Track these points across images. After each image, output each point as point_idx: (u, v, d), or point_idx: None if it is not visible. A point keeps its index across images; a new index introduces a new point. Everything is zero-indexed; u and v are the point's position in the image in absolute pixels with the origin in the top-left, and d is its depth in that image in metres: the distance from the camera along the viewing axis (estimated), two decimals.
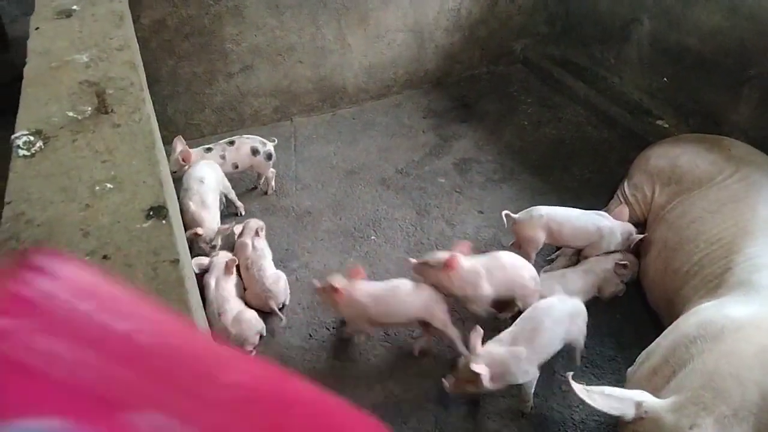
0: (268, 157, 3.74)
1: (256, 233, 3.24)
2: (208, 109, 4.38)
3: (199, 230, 3.16)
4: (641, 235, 3.08)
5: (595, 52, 4.77)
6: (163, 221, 1.26)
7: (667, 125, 4.10)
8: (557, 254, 3.28)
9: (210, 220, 3.24)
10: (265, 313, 3.02)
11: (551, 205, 3.19)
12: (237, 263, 3.12)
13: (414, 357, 2.86)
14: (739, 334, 2.07)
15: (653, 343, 2.33)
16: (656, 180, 3.16)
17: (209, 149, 3.69)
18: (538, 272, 2.96)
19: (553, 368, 2.77)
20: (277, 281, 3.06)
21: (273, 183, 3.86)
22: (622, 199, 3.29)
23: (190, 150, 3.59)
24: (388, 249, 3.46)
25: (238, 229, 3.30)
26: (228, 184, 3.58)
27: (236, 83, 4.39)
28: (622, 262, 3.01)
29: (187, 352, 0.81)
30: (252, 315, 2.91)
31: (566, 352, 2.83)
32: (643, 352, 2.35)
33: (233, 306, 2.92)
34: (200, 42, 4.16)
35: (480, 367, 2.34)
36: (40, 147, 1.47)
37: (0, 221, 1.28)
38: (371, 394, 2.72)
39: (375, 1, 4.44)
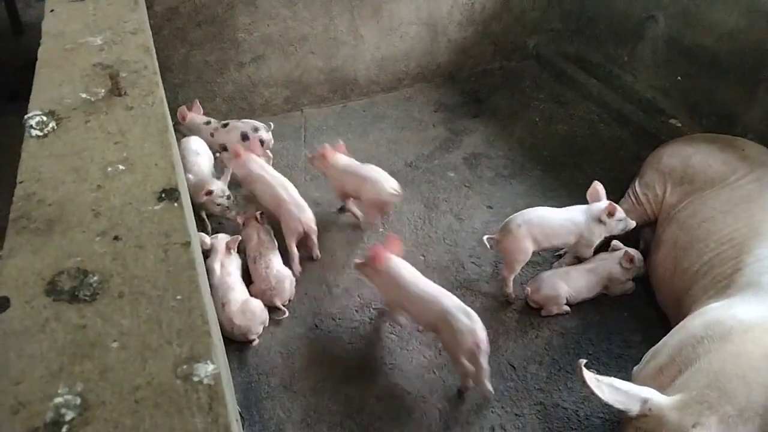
0: (262, 143, 3.74)
1: (257, 219, 3.23)
2: (219, 98, 4.38)
3: (211, 186, 3.22)
4: (633, 223, 3.06)
5: (609, 49, 4.74)
6: (175, 204, 1.26)
7: (680, 124, 4.08)
8: (565, 250, 3.27)
9: (211, 179, 3.32)
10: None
11: (560, 203, 3.19)
12: (239, 242, 3.13)
13: (419, 350, 2.86)
14: (747, 335, 2.06)
15: (660, 342, 2.32)
16: (668, 179, 3.14)
17: (208, 122, 3.82)
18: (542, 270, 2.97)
19: (559, 364, 2.76)
20: (282, 280, 3.03)
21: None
22: (633, 198, 3.27)
23: (192, 113, 3.73)
24: None
25: (240, 219, 3.29)
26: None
27: (248, 73, 4.39)
28: (629, 255, 2.99)
29: None
30: (257, 305, 2.90)
31: (574, 349, 2.83)
32: (650, 351, 2.34)
33: (238, 295, 2.91)
34: (212, 31, 4.16)
35: None
36: (52, 127, 1.47)
37: (12, 200, 1.28)
38: (375, 386, 2.72)
39: None
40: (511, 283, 3.05)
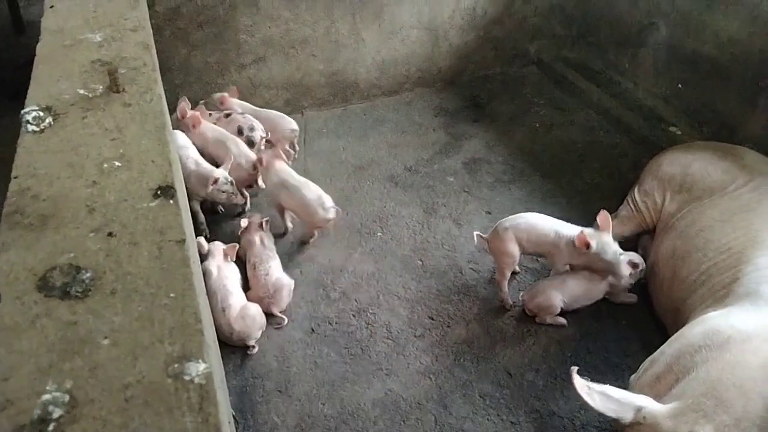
0: (250, 143, 3.70)
1: (261, 226, 3.21)
2: None
3: (215, 174, 3.23)
4: (639, 260, 2.97)
5: (610, 56, 4.74)
6: (171, 201, 1.24)
7: (680, 132, 4.07)
8: None
9: (213, 168, 3.32)
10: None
11: (559, 209, 3.18)
12: (237, 249, 3.11)
13: (416, 355, 2.84)
14: (745, 345, 2.04)
15: (657, 351, 2.30)
16: (667, 187, 3.13)
17: (210, 114, 3.83)
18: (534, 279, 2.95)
19: (556, 372, 2.75)
20: (280, 289, 3.01)
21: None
22: (632, 206, 3.26)
23: (195, 112, 3.70)
24: (394, 246, 3.44)
25: (244, 222, 3.27)
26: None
27: (248, 74, 4.38)
28: (632, 262, 2.93)
29: None
30: (256, 310, 2.88)
31: (571, 357, 2.82)
32: (647, 360, 2.32)
33: (237, 300, 2.89)
34: (214, 32, 4.15)
35: None
36: (49, 123, 1.45)
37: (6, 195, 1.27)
38: (371, 391, 2.70)
39: None
40: (505, 288, 3.04)
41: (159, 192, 1.26)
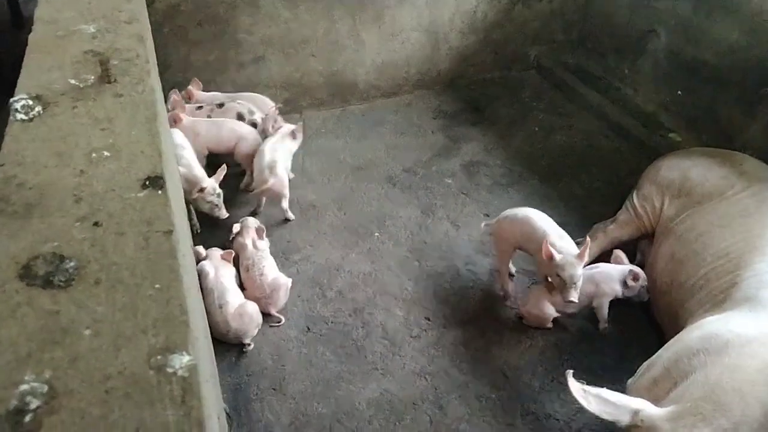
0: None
1: (257, 233, 3.19)
2: None
3: (203, 183, 3.22)
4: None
5: (610, 62, 4.73)
6: (159, 191, 1.22)
7: (679, 139, 4.05)
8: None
9: (204, 176, 3.29)
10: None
11: (557, 213, 3.18)
12: (234, 255, 3.09)
13: (411, 356, 2.82)
14: (743, 349, 2.03)
15: (655, 355, 2.28)
16: (666, 191, 3.11)
17: (200, 107, 3.84)
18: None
19: (552, 375, 2.72)
20: (277, 289, 2.99)
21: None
22: (631, 210, 3.23)
23: (185, 107, 3.75)
24: (391, 247, 3.42)
25: (236, 227, 3.25)
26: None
27: (247, 74, 4.37)
28: (634, 273, 2.89)
29: None
30: (253, 308, 2.87)
31: (568, 360, 2.79)
32: (645, 363, 2.30)
33: (234, 298, 2.88)
34: (213, 30, 4.14)
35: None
36: (38, 112, 1.43)
37: None
38: (366, 391, 2.67)
39: None
40: (505, 277, 3.04)
41: (148, 182, 1.24)
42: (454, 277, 3.23)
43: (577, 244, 2.97)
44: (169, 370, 0.91)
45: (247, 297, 2.97)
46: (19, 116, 1.41)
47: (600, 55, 4.83)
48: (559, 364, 2.77)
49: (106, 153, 1.32)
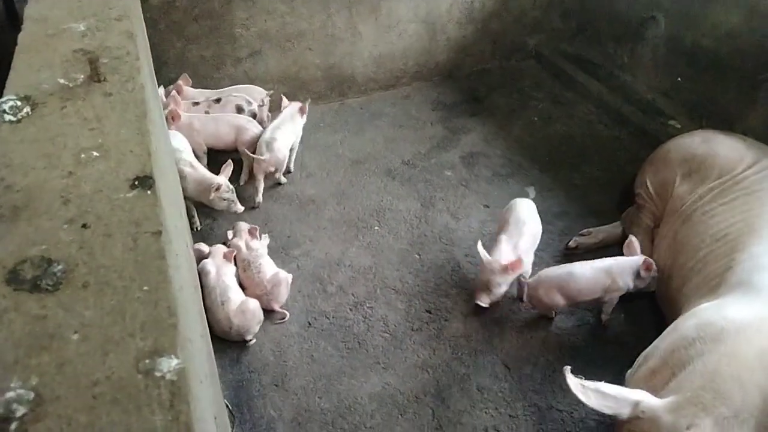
0: (253, 116, 3.83)
1: (250, 234, 3.19)
2: None
3: (218, 181, 3.21)
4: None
5: (609, 49, 4.69)
6: (149, 191, 1.21)
7: (679, 126, 4.02)
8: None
9: (213, 175, 3.28)
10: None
11: (557, 203, 3.20)
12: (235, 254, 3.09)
13: (413, 349, 2.81)
14: (739, 336, 2.00)
15: (651, 346, 2.26)
16: (678, 170, 3.00)
17: (196, 103, 3.83)
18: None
19: (554, 366, 2.71)
20: (278, 284, 2.98)
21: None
22: (646, 197, 3.14)
23: (182, 103, 3.74)
24: (391, 240, 3.41)
25: (230, 234, 3.26)
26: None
27: (244, 68, 4.34)
28: (648, 263, 2.75)
29: None
30: (255, 305, 2.86)
31: (569, 351, 2.78)
32: (641, 355, 2.28)
33: (236, 295, 2.88)
34: (209, 25, 4.11)
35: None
36: (27, 113, 1.42)
37: None
38: (368, 385, 2.66)
39: None
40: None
41: (137, 182, 1.22)
42: (455, 269, 3.21)
43: (581, 235, 3.15)
44: (157, 374, 0.90)
45: (248, 296, 2.95)
46: (8, 117, 1.40)
47: (599, 43, 4.79)
48: (561, 356, 2.76)
49: (94, 153, 1.31)
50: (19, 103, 1.44)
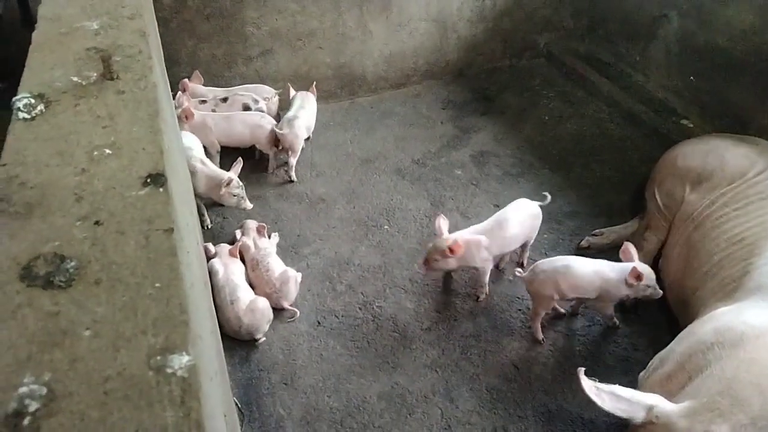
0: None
1: (258, 232, 3.20)
2: None
3: (228, 175, 3.22)
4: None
5: (621, 48, 4.67)
6: (161, 189, 1.21)
7: (692, 125, 4.00)
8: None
9: (223, 171, 3.31)
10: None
11: (568, 202, 3.17)
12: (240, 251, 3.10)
13: (422, 349, 2.80)
14: (759, 341, 1.97)
15: (666, 348, 2.23)
16: (686, 179, 2.98)
17: (203, 101, 3.87)
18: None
19: (564, 366, 2.70)
20: (286, 282, 2.99)
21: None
22: (654, 210, 3.13)
23: (186, 105, 3.73)
24: (401, 239, 3.41)
25: (239, 234, 3.29)
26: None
27: (255, 67, 4.36)
28: (636, 272, 2.59)
29: None
30: (265, 304, 2.87)
31: (579, 351, 2.77)
32: (656, 357, 2.26)
33: (245, 294, 2.89)
34: (221, 24, 4.13)
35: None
36: (40, 110, 1.42)
37: None
38: (377, 384, 2.67)
39: None
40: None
41: (149, 180, 1.23)
42: (465, 269, 3.20)
43: (594, 235, 3.19)
44: (169, 370, 0.90)
45: (257, 294, 2.97)
46: (22, 115, 1.41)
47: (610, 42, 4.77)
48: (570, 356, 2.75)
49: (107, 151, 1.31)
50: (33, 101, 1.44)
